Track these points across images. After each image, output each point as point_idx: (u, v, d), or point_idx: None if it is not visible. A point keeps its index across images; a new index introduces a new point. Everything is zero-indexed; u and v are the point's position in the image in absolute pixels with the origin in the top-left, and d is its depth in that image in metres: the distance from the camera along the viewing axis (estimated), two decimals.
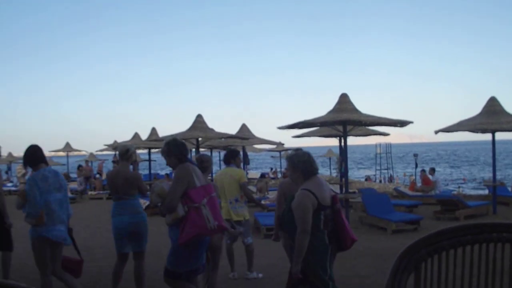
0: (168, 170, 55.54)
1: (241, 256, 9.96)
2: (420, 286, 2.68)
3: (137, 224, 7.69)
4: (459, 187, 38.78)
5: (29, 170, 7.65)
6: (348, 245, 5.96)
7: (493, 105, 17.61)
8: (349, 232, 5.92)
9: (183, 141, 6.80)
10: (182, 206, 6.17)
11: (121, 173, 7.81)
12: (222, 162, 10.55)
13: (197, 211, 6.11)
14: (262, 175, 29.81)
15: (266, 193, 24.73)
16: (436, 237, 2.64)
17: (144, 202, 20.98)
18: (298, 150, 6.46)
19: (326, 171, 57.81)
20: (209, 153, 34.06)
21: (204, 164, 7.69)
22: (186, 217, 6.14)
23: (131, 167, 8.42)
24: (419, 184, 25.64)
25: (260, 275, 9.74)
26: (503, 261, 2.64)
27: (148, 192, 7.26)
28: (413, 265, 2.64)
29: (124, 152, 7.95)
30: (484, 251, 2.62)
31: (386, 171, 49.30)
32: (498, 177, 24.81)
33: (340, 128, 16.81)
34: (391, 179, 45.60)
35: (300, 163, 6.01)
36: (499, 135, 18.14)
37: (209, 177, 9.11)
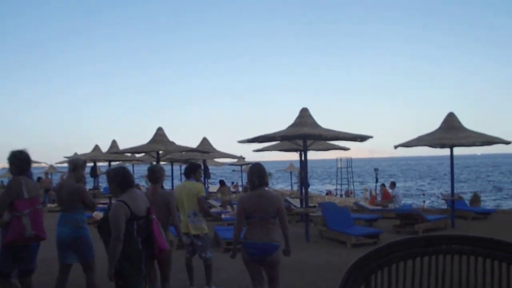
0: None
1: (202, 270, 9.92)
2: None
3: (77, 238, 7.63)
4: (424, 201, 39.18)
5: None
6: (156, 253, 6.47)
7: (451, 121, 17.87)
8: (158, 242, 6.41)
9: (27, 155, 7.36)
10: (8, 214, 6.87)
11: (65, 186, 7.79)
12: (183, 176, 10.51)
13: (18, 220, 6.85)
14: (221, 182, 29.75)
15: (229, 197, 24.79)
16: (386, 250, 2.66)
17: (96, 215, 20.82)
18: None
19: (287, 186, 58.00)
20: (169, 166, 33.93)
21: (156, 174, 7.71)
22: (9, 224, 6.86)
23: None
24: (379, 198, 25.84)
25: None
26: (453, 273, 2.68)
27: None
28: (363, 277, 2.65)
29: (72, 167, 7.94)
30: (434, 263, 2.64)
31: (346, 185, 49.62)
32: (456, 191, 25.11)
33: (301, 142, 16.89)
34: (348, 193, 45.90)
35: (116, 177, 6.48)
36: (457, 150, 18.40)
37: (163, 188, 9.07)
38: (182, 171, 10.60)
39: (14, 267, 7.03)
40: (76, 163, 7.96)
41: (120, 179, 6.43)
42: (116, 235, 6.01)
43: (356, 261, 2.67)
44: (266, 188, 7.40)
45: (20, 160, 7.22)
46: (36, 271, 11.45)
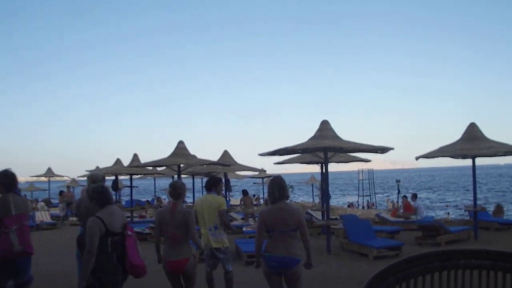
0: (150, 196, 55.33)
1: (222, 284, 9.90)
2: None
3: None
4: (448, 213, 38.85)
5: None
6: (128, 268, 6.69)
7: (473, 131, 17.75)
8: (130, 257, 6.65)
9: (13, 173, 7.65)
10: None
11: (84, 201, 7.85)
12: (204, 189, 10.51)
13: (6, 236, 7.05)
14: (244, 192, 29.69)
15: (252, 209, 24.84)
16: (404, 264, 2.65)
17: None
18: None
19: (309, 198, 57.87)
20: (190, 179, 33.99)
21: (177, 190, 7.68)
22: None
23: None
24: (401, 210, 25.68)
25: None
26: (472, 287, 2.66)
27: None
28: None
29: (91, 182, 8.01)
30: (453, 277, 2.63)
31: (368, 197, 49.41)
32: (479, 202, 24.90)
33: (322, 154, 16.86)
34: (369, 205, 45.69)
35: (95, 194, 6.82)
36: (479, 160, 18.27)
37: (185, 204, 9.05)
38: (203, 184, 10.56)
39: (6, 281, 7.17)
40: (95, 178, 8.02)
41: (98, 196, 6.78)
42: (89, 249, 6.32)
43: (374, 276, 2.66)
44: (287, 201, 7.40)
45: (7, 178, 7.46)
46: (57, 285, 11.54)
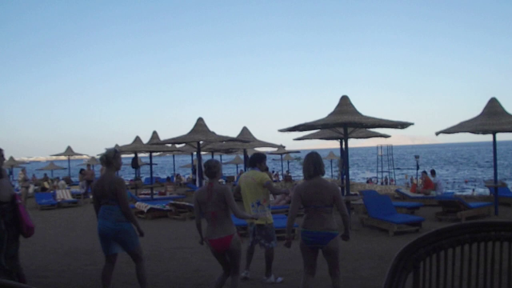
0: (169, 173, 55.57)
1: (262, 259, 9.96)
2: (419, 285, 2.68)
3: (119, 231, 7.66)
4: (473, 189, 38.56)
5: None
6: (24, 231, 7.60)
7: (493, 106, 17.58)
8: (25, 221, 7.55)
9: None
10: None
11: (106, 179, 7.82)
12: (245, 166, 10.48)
13: None
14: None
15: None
16: (434, 236, 2.64)
17: (145, 206, 21.05)
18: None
19: (327, 174, 57.80)
20: (210, 156, 34.08)
21: (212, 169, 7.57)
22: None
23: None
24: (421, 186, 25.59)
25: (280, 279, 9.65)
26: (502, 260, 2.65)
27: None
28: (411, 264, 2.64)
29: (106, 161, 7.97)
30: (483, 249, 2.62)
31: (387, 173, 49.24)
32: (500, 177, 24.76)
33: (341, 130, 16.81)
34: (388, 181, 45.53)
35: None
36: (500, 136, 18.14)
37: (220, 181, 9.01)
38: (247, 160, 10.48)
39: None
40: (108, 156, 7.98)
41: None
42: None
43: (405, 248, 2.66)
44: (322, 177, 7.40)
45: None
46: (79, 262, 11.68)
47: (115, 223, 7.65)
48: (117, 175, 8.05)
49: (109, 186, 7.73)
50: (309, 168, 7.24)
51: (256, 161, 9.94)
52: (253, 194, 9.56)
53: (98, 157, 46.34)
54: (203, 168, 8.05)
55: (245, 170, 27.31)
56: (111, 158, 7.97)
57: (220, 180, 7.88)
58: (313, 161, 7.27)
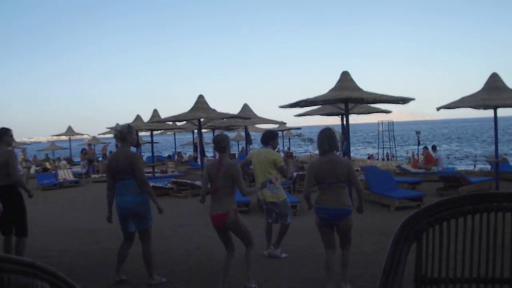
0: (170, 151, 55.67)
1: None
2: (422, 255, 2.69)
3: (141, 203, 7.66)
4: (474, 165, 38.49)
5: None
6: None
7: (495, 81, 17.48)
8: None
9: None
10: None
11: (121, 154, 7.80)
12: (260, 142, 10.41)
13: None
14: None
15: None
16: (436, 208, 2.65)
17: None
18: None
19: None
20: (211, 134, 34.07)
21: (221, 144, 7.51)
22: None
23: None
24: (422, 162, 25.63)
25: (284, 255, 9.71)
26: (504, 230, 2.66)
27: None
28: (414, 235, 2.65)
29: (120, 137, 7.93)
30: (485, 220, 2.63)
31: (388, 149, 49.18)
32: (500, 152, 24.78)
33: (342, 106, 16.78)
34: (389, 157, 45.49)
35: None
36: (501, 111, 18.12)
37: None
38: (260, 138, 10.45)
39: None
40: (122, 132, 7.95)
41: None
42: None
43: (407, 219, 2.66)
44: (336, 153, 7.46)
45: None
46: (82, 241, 11.75)
47: (134, 196, 7.67)
48: (131, 150, 8.05)
49: (125, 161, 7.72)
50: (323, 144, 7.28)
51: (269, 139, 9.97)
52: (263, 172, 9.58)
53: (99, 136, 46.29)
54: (212, 144, 8.05)
55: (246, 147, 27.33)
56: (125, 133, 7.93)
57: None
58: (327, 137, 7.31)
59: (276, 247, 9.73)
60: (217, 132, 36.36)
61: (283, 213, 9.67)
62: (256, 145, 45.92)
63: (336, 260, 7.32)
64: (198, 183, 19.83)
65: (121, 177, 7.75)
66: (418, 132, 44.01)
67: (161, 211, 8.04)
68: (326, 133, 7.35)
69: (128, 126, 8.06)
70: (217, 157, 7.68)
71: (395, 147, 49.59)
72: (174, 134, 49.35)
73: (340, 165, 7.12)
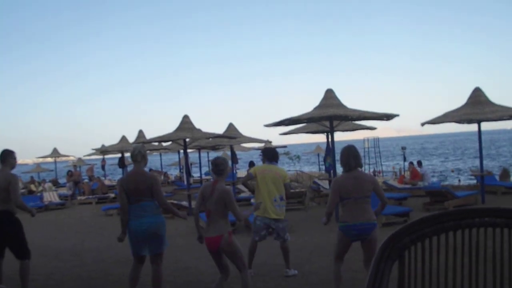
0: (152, 167, 55.52)
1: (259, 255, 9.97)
2: (405, 273, 2.68)
3: (159, 224, 7.59)
4: (459, 180, 38.65)
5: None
6: None
7: (478, 96, 17.65)
8: None
9: None
10: None
11: (139, 176, 7.65)
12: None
13: None
14: (251, 164, 29.64)
15: None
16: (418, 225, 2.65)
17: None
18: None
19: (315, 168, 57.84)
20: (197, 154, 33.98)
21: (220, 167, 7.41)
22: None
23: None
24: (408, 177, 25.70)
25: (294, 271, 9.67)
26: (486, 246, 2.67)
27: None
28: (396, 253, 2.65)
29: (140, 158, 7.78)
30: (467, 236, 2.63)
31: (374, 165, 49.27)
32: (485, 166, 24.91)
33: (327, 123, 16.85)
34: (375, 173, 45.52)
35: None
36: (485, 125, 18.24)
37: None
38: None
39: None
40: (141, 151, 7.82)
41: None
42: None
43: (389, 237, 2.67)
44: (360, 170, 7.71)
45: None
46: (68, 263, 11.66)
47: (155, 217, 7.58)
48: (149, 172, 8.02)
49: (145, 183, 7.58)
50: (349, 161, 7.48)
51: (275, 155, 10.03)
52: (278, 189, 9.61)
53: (85, 158, 45.94)
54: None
55: (232, 166, 27.25)
56: (144, 153, 7.84)
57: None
58: (353, 154, 7.52)
59: (288, 267, 9.69)
60: (203, 152, 36.35)
61: (284, 229, 9.69)
62: (244, 164, 45.95)
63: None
64: (184, 203, 19.77)
65: (138, 199, 7.56)
66: (403, 148, 44.13)
67: (183, 217, 8.36)
68: (351, 150, 7.56)
69: (142, 145, 8.05)
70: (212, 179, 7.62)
71: (381, 163, 49.71)
72: (160, 155, 49.23)
73: (366, 181, 7.45)
